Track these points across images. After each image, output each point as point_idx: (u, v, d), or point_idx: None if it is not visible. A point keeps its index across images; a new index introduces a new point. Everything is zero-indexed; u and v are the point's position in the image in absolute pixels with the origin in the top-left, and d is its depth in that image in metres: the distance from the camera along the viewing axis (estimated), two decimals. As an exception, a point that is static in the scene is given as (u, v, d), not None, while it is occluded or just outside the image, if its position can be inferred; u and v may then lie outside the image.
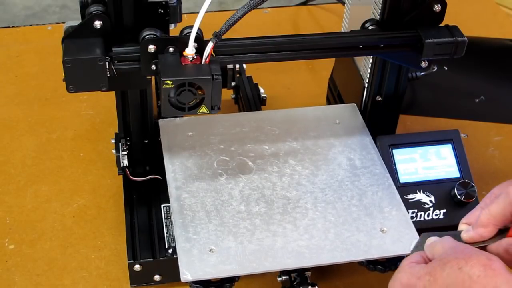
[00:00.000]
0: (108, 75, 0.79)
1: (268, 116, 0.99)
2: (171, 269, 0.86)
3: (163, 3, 0.79)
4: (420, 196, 0.92)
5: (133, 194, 0.96)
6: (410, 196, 0.92)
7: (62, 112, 1.18)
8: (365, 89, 0.99)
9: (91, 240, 0.96)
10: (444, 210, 0.92)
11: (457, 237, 0.71)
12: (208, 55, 0.78)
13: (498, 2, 1.59)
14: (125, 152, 0.94)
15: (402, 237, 0.82)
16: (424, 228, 0.89)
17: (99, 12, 0.78)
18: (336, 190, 0.88)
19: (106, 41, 0.79)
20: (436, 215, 0.92)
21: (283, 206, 0.86)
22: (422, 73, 0.99)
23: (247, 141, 0.95)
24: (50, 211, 1.00)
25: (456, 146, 0.95)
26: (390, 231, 0.83)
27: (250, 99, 1.12)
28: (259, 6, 0.76)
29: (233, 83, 1.10)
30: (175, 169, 0.90)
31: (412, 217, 0.90)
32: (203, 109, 0.79)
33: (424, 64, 0.88)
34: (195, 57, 0.78)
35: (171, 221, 0.90)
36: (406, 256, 0.71)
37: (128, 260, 0.87)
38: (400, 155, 0.94)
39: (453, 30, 0.86)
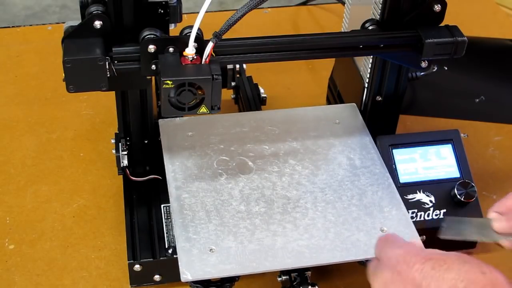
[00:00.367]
0: (108, 75, 0.79)
1: (268, 116, 0.99)
2: (171, 269, 0.86)
3: (163, 3, 0.79)
4: (420, 196, 0.92)
5: (133, 194, 0.96)
6: (410, 196, 0.92)
7: (62, 112, 1.18)
8: (365, 89, 0.99)
9: (91, 240, 0.96)
10: (444, 210, 0.92)
11: (484, 226, 0.70)
12: (208, 55, 0.78)
13: (498, 2, 1.59)
14: (125, 152, 0.94)
15: (402, 237, 0.82)
16: (424, 228, 0.90)
17: (99, 12, 0.78)
18: (336, 189, 0.88)
19: (106, 41, 0.79)
20: (436, 215, 0.92)
21: (283, 205, 0.86)
22: (422, 73, 0.99)
23: (247, 141, 0.95)
24: (50, 211, 1.00)
25: (456, 146, 0.95)
26: (390, 231, 0.83)
27: (250, 99, 1.12)
28: (259, 6, 0.76)
29: (233, 83, 1.10)
30: (175, 169, 0.90)
31: (412, 217, 0.90)
32: (203, 109, 0.79)
33: (424, 64, 0.88)
34: (195, 57, 0.78)
35: (171, 221, 0.90)
36: None
37: (128, 260, 0.87)
38: (400, 155, 0.94)
39: (453, 30, 0.86)
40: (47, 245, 0.95)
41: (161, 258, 0.87)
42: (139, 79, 0.86)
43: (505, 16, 1.51)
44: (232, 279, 0.82)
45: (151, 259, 0.87)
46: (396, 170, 0.93)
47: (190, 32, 0.76)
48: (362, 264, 0.87)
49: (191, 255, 0.79)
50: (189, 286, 0.82)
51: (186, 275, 0.77)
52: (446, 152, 0.95)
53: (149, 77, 0.87)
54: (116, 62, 0.79)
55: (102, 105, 1.18)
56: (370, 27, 0.90)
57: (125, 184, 0.97)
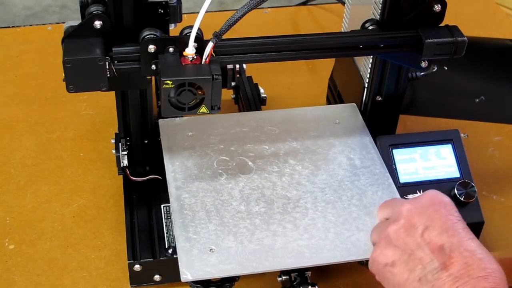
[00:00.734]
0: (108, 75, 0.79)
1: (268, 116, 0.99)
2: (171, 269, 0.86)
3: (163, 3, 0.79)
4: (420, 196, 0.92)
5: (133, 194, 0.96)
6: (410, 196, 0.92)
7: (62, 112, 1.18)
8: (365, 89, 0.99)
9: (91, 240, 0.96)
10: (444, 210, 0.92)
11: None
12: (208, 55, 0.78)
13: (498, 2, 1.59)
14: (125, 152, 0.94)
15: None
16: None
17: (99, 12, 0.78)
18: (336, 189, 0.88)
19: (106, 41, 0.79)
20: (436, 215, 0.92)
21: (283, 205, 0.86)
22: (422, 73, 0.99)
23: (247, 141, 0.95)
24: (50, 211, 1.00)
25: (456, 146, 0.95)
26: (390, 231, 0.83)
27: (250, 99, 1.12)
28: (259, 6, 0.76)
29: (233, 83, 1.10)
30: (175, 169, 0.90)
31: (412, 217, 0.90)
32: (203, 109, 0.79)
33: (424, 64, 0.88)
34: (195, 57, 0.78)
35: (171, 221, 0.90)
36: None
37: (128, 260, 0.87)
38: (400, 155, 0.94)
39: (453, 30, 0.86)
40: (47, 245, 0.95)
41: (161, 258, 0.87)
42: (139, 79, 0.86)
43: (505, 16, 1.51)
44: (232, 279, 0.82)
45: (151, 259, 0.87)
46: (396, 170, 0.93)
47: (190, 32, 0.76)
48: (362, 264, 0.87)
49: (191, 255, 0.79)
50: (189, 286, 0.82)
51: (186, 275, 0.77)
52: (446, 152, 0.95)
53: (149, 77, 0.87)
54: (116, 62, 0.79)
55: (102, 105, 1.18)
56: (370, 27, 0.90)
57: (125, 184, 0.97)
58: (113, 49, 0.79)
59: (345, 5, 1.05)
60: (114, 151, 0.95)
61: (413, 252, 0.66)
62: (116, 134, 0.96)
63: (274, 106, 1.17)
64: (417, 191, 0.86)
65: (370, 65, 0.96)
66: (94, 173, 1.07)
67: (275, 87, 1.24)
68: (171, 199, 0.85)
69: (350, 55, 0.99)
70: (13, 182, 1.05)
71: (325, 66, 1.19)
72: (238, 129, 0.96)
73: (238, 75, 1.11)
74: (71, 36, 0.78)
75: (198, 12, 0.74)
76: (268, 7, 1.48)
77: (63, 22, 0.83)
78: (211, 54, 0.78)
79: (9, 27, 1.39)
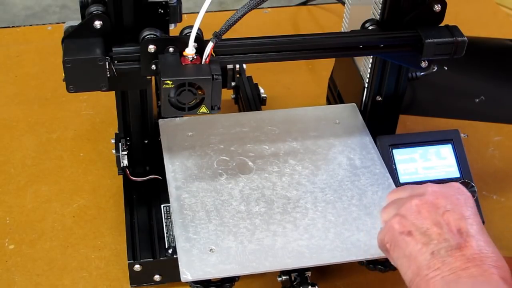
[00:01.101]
0: (108, 75, 0.79)
1: (268, 116, 0.99)
2: (171, 269, 0.86)
3: (163, 3, 0.79)
4: (420, 196, 0.92)
5: (133, 194, 0.96)
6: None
7: (62, 112, 1.18)
8: (365, 89, 0.99)
9: (91, 240, 0.96)
10: (444, 210, 0.92)
11: None
12: (208, 55, 0.78)
13: (498, 2, 1.59)
14: (125, 152, 0.94)
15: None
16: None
17: (99, 12, 0.78)
18: (336, 189, 0.88)
19: (106, 41, 0.79)
20: (436, 215, 0.92)
21: (283, 206, 0.86)
22: (422, 73, 0.99)
23: (247, 141, 0.95)
24: (50, 211, 1.00)
25: (456, 146, 0.95)
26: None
27: (250, 99, 1.12)
28: (259, 6, 0.76)
29: (233, 83, 1.10)
30: (175, 169, 0.90)
31: (412, 217, 0.90)
32: (203, 109, 0.79)
33: (424, 64, 0.88)
34: (195, 57, 0.78)
35: (171, 221, 0.90)
36: None
37: (128, 260, 0.87)
38: (400, 155, 0.94)
39: (453, 30, 0.86)
40: (47, 245, 0.95)
41: (161, 258, 0.87)
42: (139, 79, 0.86)
43: (505, 16, 1.51)
44: (232, 279, 0.82)
45: (151, 259, 0.87)
46: (396, 170, 0.93)
47: (190, 32, 0.76)
48: (362, 264, 0.87)
49: (191, 255, 0.79)
50: (189, 286, 0.82)
51: (186, 275, 0.77)
52: (446, 152, 0.95)
53: (149, 77, 0.87)
54: (116, 62, 0.79)
55: (102, 105, 1.18)
56: (370, 27, 0.90)
57: (125, 184, 0.97)
58: (113, 49, 0.79)
59: (345, 5, 1.05)
60: (114, 151, 0.95)
61: (431, 227, 0.67)
62: (116, 134, 0.96)
63: (274, 106, 1.17)
64: None
65: (370, 65, 0.96)
66: (94, 173, 1.07)
67: (275, 87, 1.24)
68: (171, 199, 0.85)
69: (350, 55, 0.99)
70: (13, 182, 1.05)
71: (325, 66, 1.19)
72: (238, 129, 0.96)
73: (238, 75, 1.11)
74: (71, 36, 0.78)
75: (198, 12, 0.74)
76: (268, 7, 1.48)
77: (63, 22, 0.83)
78: (211, 54, 0.78)
79: (9, 27, 1.40)
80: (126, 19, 0.79)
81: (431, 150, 0.95)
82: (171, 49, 0.78)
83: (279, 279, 0.86)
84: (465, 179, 0.93)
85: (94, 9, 0.79)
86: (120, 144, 0.94)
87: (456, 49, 0.85)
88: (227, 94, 1.17)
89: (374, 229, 0.83)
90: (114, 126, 0.95)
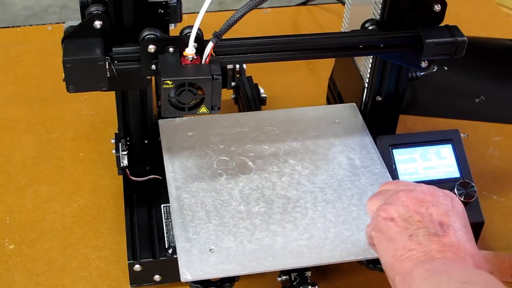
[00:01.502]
0: (108, 75, 0.79)
1: (268, 116, 0.99)
2: (171, 269, 0.86)
3: (163, 3, 0.79)
4: (420, 196, 0.92)
5: (133, 194, 0.96)
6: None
7: (62, 112, 1.18)
8: (365, 89, 0.99)
9: (91, 240, 0.96)
10: (444, 210, 0.92)
11: None
12: (208, 55, 0.78)
13: (498, 2, 1.59)
14: (125, 152, 0.94)
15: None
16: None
17: (99, 12, 0.78)
18: (336, 189, 0.88)
19: (106, 41, 0.79)
20: (436, 215, 0.92)
21: (283, 205, 0.86)
22: (422, 73, 0.99)
23: (247, 141, 0.95)
24: (50, 211, 1.00)
25: (456, 146, 0.95)
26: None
27: (250, 99, 1.12)
28: (259, 6, 0.76)
29: (233, 83, 1.10)
30: (175, 169, 0.90)
31: (412, 217, 0.90)
32: (203, 109, 0.79)
33: (424, 64, 0.88)
34: (195, 57, 0.78)
35: (171, 221, 0.90)
36: None
37: (128, 260, 0.87)
38: (400, 155, 0.94)
39: (453, 30, 0.86)
40: (47, 245, 0.95)
41: (161, 258, 0.87)
42: (139, 79, 0.86)
43: (505, 16, 1.51)
44: (232, 279, 0.82)
45: (151, 259, 0.87)
46: (396, 170, 0.93)
47: (190, 32, 0.76)
48: (362, 264, 0.87)
49: (191, 255, 0.79)
50: (189, 286, 0.82)
51: (186, 275, 0.77)
52: (446, 152, 0.95)
53: (149, 77, 0.87)
54: (116, 62, 0.79)
55: (102, 105, 1.18)
56: (370, 27, 0.90)
57: (125, 184, 0.97)
58: (113, 49, 0.79)
59: (345, 5, 1.05)
60: (114, 151, 0.95)
61: (414, 215, 0.68)
62: (116, 134, 0.96)
63: (274, 106, 1.17)
64: None
65: (370, 65, 0.96)
66: (94, 173, 1.07)
67: (275, 87, 1.24)
68: (171, 199, 0.85)
69: (350, 55, 0.99)
70: (13, 182, 1.05)
71: (325, 66, 1.19)
72: (238, 129, 0.96)
73: (238, 75, 1.11)
74: (71, 36, 0.78)
75: (198, 12, 0.74)
76: (268, 7, 1.48)
77: (63, 22, 0.83)
78: (211, 54, 0.78)
79: (9, 27, 1.40)
80: (126, 19, 0.80)
81: (431, 150, 0.95)
82: (171, 49, 0.78)
83: (279, 279, 0.86)
84: (465, 179, 0.93)
85: (94, 9, 0.79)
86: (120, 144, 0.94)
87: (456, 49, 0.85)
88: (227, 94, 1.17)
89: (374, 229, 0.83)
90: (114, 126, 0.95)
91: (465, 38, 0.85)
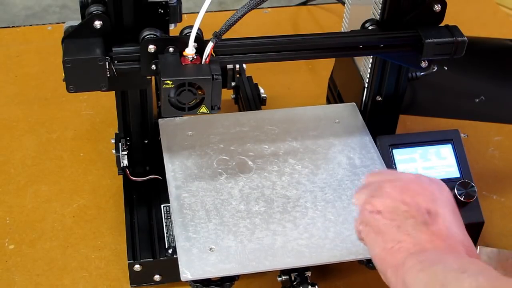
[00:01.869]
0: (108, 75, 0.79)
1: (268, 116, 0.99)
2: (171, 269, 0.86)
3: (163, 3, 0.79)
4: (420, 195, 0.92)
5: (133, 194, 0.96)
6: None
7: (62, 112, 1.18)
8: (365, 89, 0.99)
9: (91, 240, 0.96)
10: (444, 210, 0.92)
11: None
12: (208, 55, 0.78)
13: (498, 2, 1.59)
14: (125, 152, 0.94)
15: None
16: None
17: (99, 12, 0.78)
18: (335, 189, 0.88)
19: (106, 41, 0.79)
20: (436, 214, 0.92)
21: (283, 205, 0.86)
22: (422, 73, 0.99)
23: (247, 141, 0.95)
24: (50, 211, 1.00)
25: (456, 146, 0.95)
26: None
27: (250, 99, 1.12)
28: (259, 6, 0.76)
29: (233, 83, 1.10)
30: (175, 168, 0.90)
31: (412, 217, 0.90)
32: (203, 109, 0.79)
33: (424, 64, 0.88)
34: (195, 57, 0.78)
35: (171, 221, 0.90)
36: None
37: (128, 260, 0.87)
38: (400, 155, 0.94)
39: (453, 30, 0.86)
40: (47, 245, 0.96)
41: (161, 258, 0.87)
42: (139, 79, 0.86)
43: (505, 16, 1.51)
44: (232, 278, 0.82)
45: (151, 259, 0.87)
46: (396, 170, 0.93)
47: (190, 32, 0.76)
48: (362, 263, 0.87)
49: (191, 254, 0.79)
50: (189, 286, 0.82)
51: (186, 274, 0.77)
52: (446, 152, 0.95)
53: (149, 77, 0.87)
54: (116, 62, 0.79)
55: (102, 105, 1.18)
56: (370, 27, 0.90)
57: (125, 184, 0.97)
58: (113, 49, 0.79)
59: (345, 5, 1.05)
60: (114, 151, 0.95)
61: (400, 206, 0.68)
62: (116, 134, 0.96)
63: (274, 106, 1.17)
64: None
65: (370, 65, 0.96)
66: (94, 173, 1.07)
67: (275, 87, 1.24)
68: (171, 199, 0.85)
69: (350, 55, 0.99)
70: (13, 182, 1.05)
71: (325, 66, 1.19)
72: (238, 129, 0.96)
73: (238, 75, 1.11)
74: (71, 36, 0.78)
75: (198, 12, 0.74)
76: (268, 7, 1.48)
77: (63, 22, 0.83)
78: (211, 54, 0.78)
79: (9, 27, 1.40)
80: (126, 19, 0.80)
81: (431, 150, 0.95)
82: (171, 49, 0.78)
83: (279, 278, 0.86)
84: (465, 179, 0.93)
85: (94, 9, 0.79)
86: (120, 144, 0.94)
87: (456, 49, 0.85)
88: (227, 94, 1.17)
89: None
90: (114, 126, 0.95)
91: (465, 38, 0.85)
